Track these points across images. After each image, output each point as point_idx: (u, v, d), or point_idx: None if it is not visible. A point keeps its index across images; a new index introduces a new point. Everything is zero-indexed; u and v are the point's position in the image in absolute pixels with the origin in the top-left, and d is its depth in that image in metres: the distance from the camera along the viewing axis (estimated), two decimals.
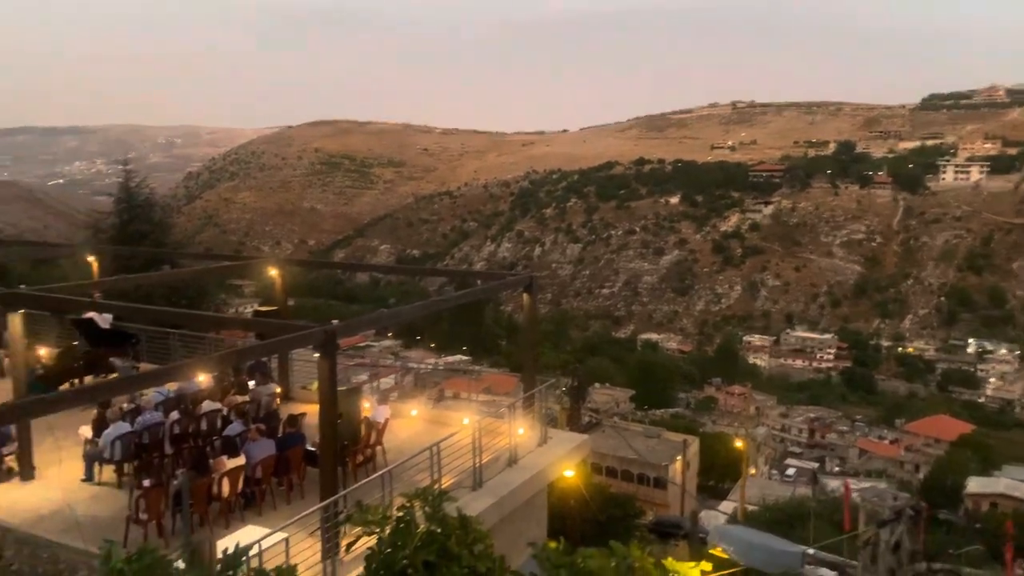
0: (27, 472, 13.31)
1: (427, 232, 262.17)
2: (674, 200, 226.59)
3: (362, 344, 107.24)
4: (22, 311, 14.28)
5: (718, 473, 62.73)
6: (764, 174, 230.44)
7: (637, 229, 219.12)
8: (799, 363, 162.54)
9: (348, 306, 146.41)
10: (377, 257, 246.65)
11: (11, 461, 13.49)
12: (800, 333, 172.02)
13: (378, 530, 4.00)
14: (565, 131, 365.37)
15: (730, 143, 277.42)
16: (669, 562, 3.76)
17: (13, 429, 13.24)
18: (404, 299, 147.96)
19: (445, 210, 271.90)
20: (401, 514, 4.01)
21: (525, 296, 16.84)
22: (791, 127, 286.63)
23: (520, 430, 14.80)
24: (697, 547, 21.64)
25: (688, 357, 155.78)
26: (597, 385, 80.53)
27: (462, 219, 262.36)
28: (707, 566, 3.75)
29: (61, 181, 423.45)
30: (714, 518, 40.20)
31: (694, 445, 56.06)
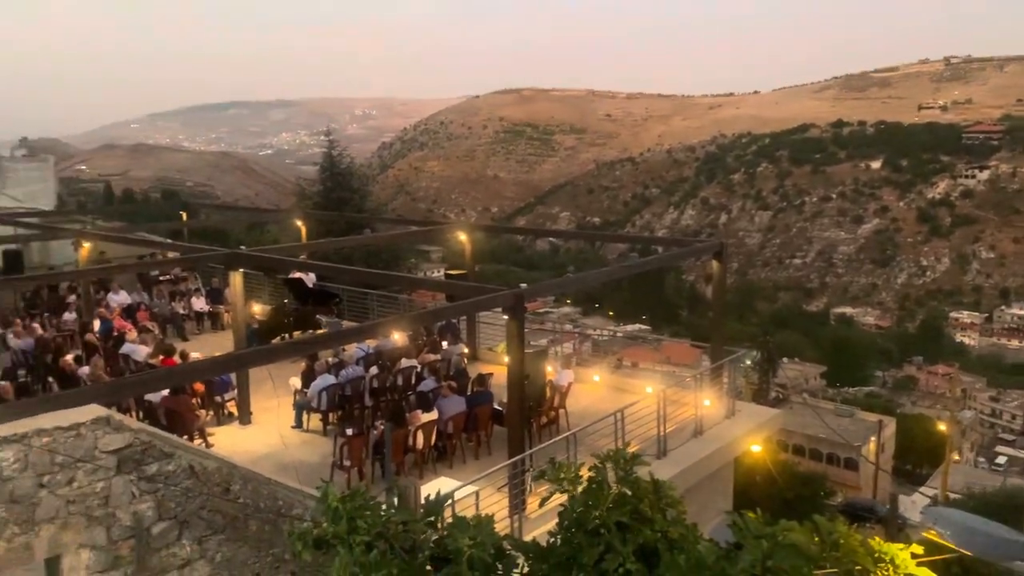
0: (245, 417, 14.64)
1: (607, 199, 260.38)
2: (875, 165, 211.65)
3: (541, 310, 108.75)
4: (241, 271, 15.66)
5: (916, 457, 59.05)
6: (980, 136, 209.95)
7: (834, 196, 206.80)
8: (1015, 343, 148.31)
9: (528, 272, 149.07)
10: (557, 225, 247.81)
11: (232, 406, 14.91)
12: (1017, 311, 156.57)
13: (569, 488, 4.04)
14: (756, 92, 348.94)
15: (941, 102, 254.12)
16: (877, 542, 3.54)
17: (234, 378, 14.62)
18: (583, 267, 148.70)
19: (627, 176, 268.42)
20: (592, 474, 4.03)
21: (715, 263, 16.42)
22: (1014, 83, 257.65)
23: (706, 401, 14.54)
24: (894, 532, 20.40)
25: (887, 333, 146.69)
26: (786, 360, 77.43)
27: (644, 186, 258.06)
28: (918, 549, 3.49)
29: (270, 151, 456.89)
30: (911, 504, 37.87)
31: (890, 426, 53.32)
